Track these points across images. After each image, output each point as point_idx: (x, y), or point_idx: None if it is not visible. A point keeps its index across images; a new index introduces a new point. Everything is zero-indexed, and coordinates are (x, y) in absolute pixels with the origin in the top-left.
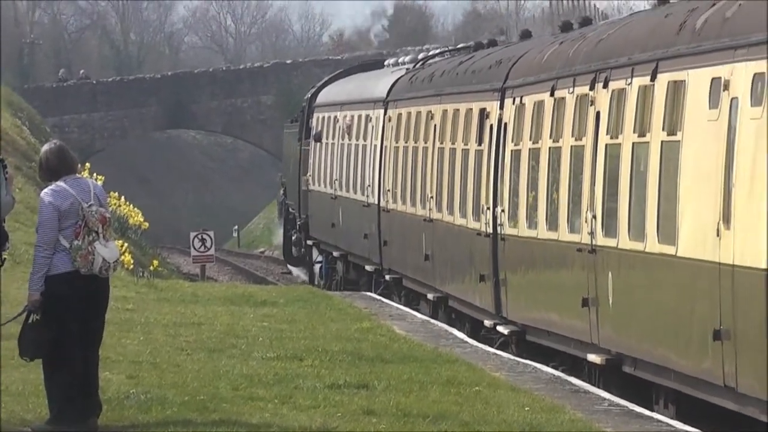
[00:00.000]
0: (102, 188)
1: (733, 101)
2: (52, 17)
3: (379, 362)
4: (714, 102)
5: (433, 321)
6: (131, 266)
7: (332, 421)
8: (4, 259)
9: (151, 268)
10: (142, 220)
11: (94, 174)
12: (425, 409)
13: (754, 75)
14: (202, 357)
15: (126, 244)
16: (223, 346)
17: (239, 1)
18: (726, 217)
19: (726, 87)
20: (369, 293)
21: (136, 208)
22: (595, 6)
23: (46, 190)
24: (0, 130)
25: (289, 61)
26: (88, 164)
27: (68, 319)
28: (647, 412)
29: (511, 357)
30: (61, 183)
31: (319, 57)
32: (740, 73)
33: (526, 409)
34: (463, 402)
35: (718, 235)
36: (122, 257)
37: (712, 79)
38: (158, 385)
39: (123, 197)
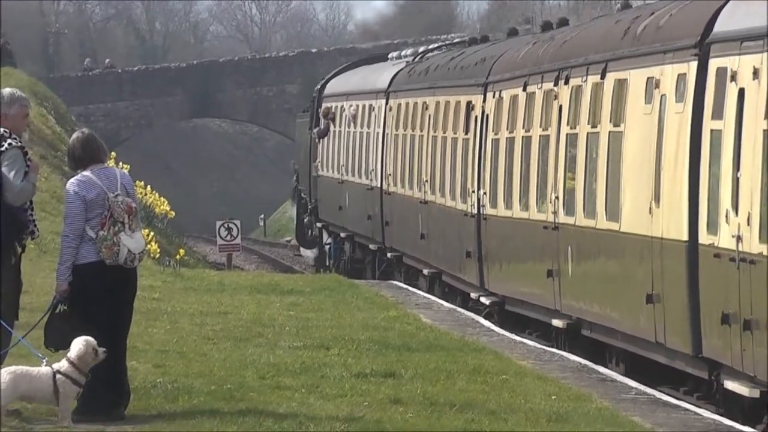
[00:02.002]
0: (129, 177)
1: (663, 98)
2: (77, 7)
3: (405, 351)
4: (648, 98)
5: (459, 309)
6: (158, 255)
7: (359, 410)
8: (24, 245)
9: (178, 257)
10: (168, 209)
11: (120, 163)
12: (452, 397)
13: (678, 75)
14: (228, 346)
15: (152, 233)
16: (250, 335)
17: None
18: (657, 197)
19: (657, 85)
20: (395, 282)
21: (162, 197)
22: None
23: (72, 180)
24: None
25: (314, 50)
26: (113, 153)
27: (95, 309)
28: (674, 401)
29: (537, 345)
30: (87, 173)
31: (344, 46)
32: (668, 74)
33: (553, 397)
34: (489, 391)
35: (650, 213)
36: (148, 246)
37: (647, 78)
38: (185, 374)
39: (149, 186)
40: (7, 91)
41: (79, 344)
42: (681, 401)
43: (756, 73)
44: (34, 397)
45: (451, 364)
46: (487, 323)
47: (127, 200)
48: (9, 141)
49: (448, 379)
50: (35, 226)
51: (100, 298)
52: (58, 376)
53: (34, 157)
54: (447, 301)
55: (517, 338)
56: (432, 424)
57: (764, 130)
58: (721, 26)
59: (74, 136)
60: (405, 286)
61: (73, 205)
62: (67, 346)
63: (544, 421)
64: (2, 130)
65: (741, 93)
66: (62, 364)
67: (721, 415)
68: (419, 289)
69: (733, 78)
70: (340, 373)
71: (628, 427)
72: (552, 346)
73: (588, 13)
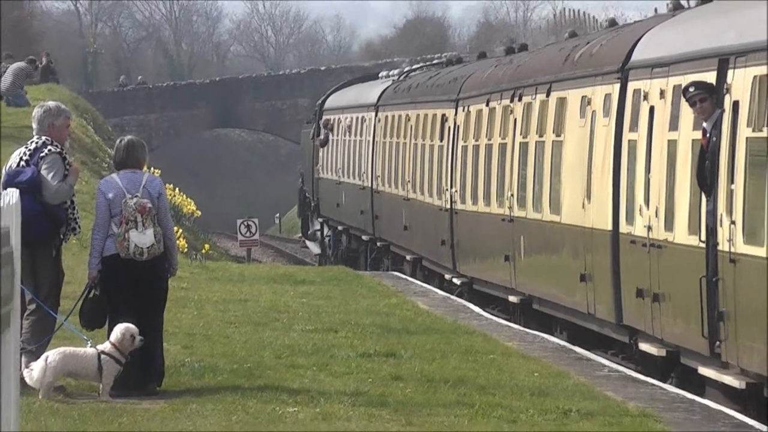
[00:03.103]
0: (158, 181)
1: (593, 113)
2: (112, 29)
3: (404, 334)
4: (582, 113)
5: (452, 297)
6: (185, 250)
7: (364, 386)
8: (63, 239)
9: (203, 251)
10: (194, 208)
11: (152, 168)
12: (446, 375)
13: (605, 95)
14: (248, 330)
15: (180, 230)
16: (267, 320)
17: (278, 14)
18: (588, 195)
19: (589, 103)
20: (395, 273)
21: (188, 199)
22: (593, 17)
23: (101, 182)
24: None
25: (323, 68)
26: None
27: (117, 294)
28: (642, 377)
29: (521, 328)
30: (114, 175)
31: (349, 64)
32: (597, 94)
33: (536, 374)
34: (479, 368)
35: (583, 207)
36: (178, 242)
37: (582, 97)
38: (210, 355)
39: (177, 189)
40: (53, 104)
41: (121, 329)
42: (648, 378)
43: (662, 94)
44: (80, 374)
45: (445, 345)
46: (477, 309)
47: (142, 201)
48: (49, 147)
49: (442, 359)
50: (77, 223)
51: (118, 285)
52: (102, 356)
53: (74, 162)
54: (426, 281)
55: (503, 322)
56: (428, 398)
57: (668, 140)
58: (637, 56)
59: (118, 141)
60: (404, 276)
61: (99, 203)
62: (99, 326)
63: (528, 395)
64: (45, 137)
65: (651, 110)
66: (105, 346)
67: (638, 372)
68: (403, 272)
69: (646, 98)
70: (346, 354)
71: (602, 401)
72: (509, 319)
73: (564, 34)
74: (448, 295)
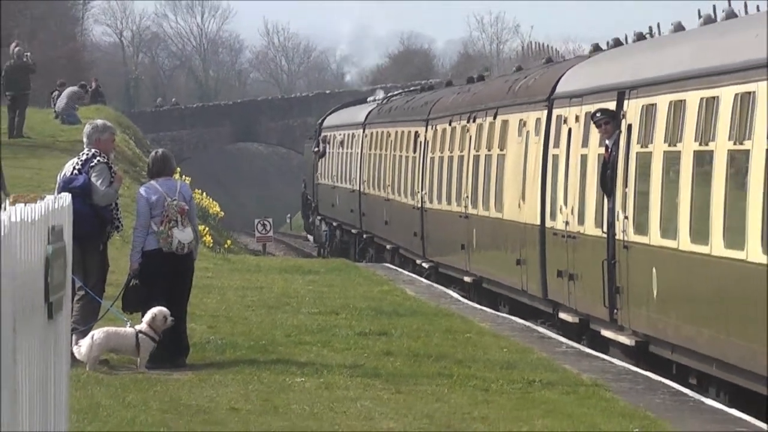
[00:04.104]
0: (188, 187)
1: (527, 133)
2: (151, 59)
3: (394, 316)
4: (520, 133)
5: (435, 285)
6: (211, 245)
7: (360, 359)
8: (109, 236)
9: (226, 246)
10: (218, 210)
11: (183, 176)
12: (429, 350)
13: (536, 119)
14: (263, 312)
15: (207, 229)
16: (279, 304)
17: (291, 47)
18: (523, 197)
19: (525, 125)
20: (387, 264)
21: (214, 202)
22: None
23: (141, 186)
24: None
25: (327, 92)
26: (178, 168)
27: (157, 284)
28: (595, 353)
29: (493, 312)
30: (153, 182)
31: (349, 89)
32: (531, 118)
33: (505, 350)
34: (457, 345)
35: (519, 207)
36: (203, 238)
37: (520, 120)
38: (231, 333)
39: (204, 193)
40: (100, 121)
41: (155, 312)
42: (599, 353)
43: (577, 119)
44: (120, 350)
45: (429, 325)
46: (455, 295)
47: (181, 204)
48: (98, 158)
49: (426, 337)
50: (120, 222)
51: (159, 276)
52: (140, 334)
53: (119, 171)
54: (401, 266)
55: (478, 306)
56: (414, 370)
57: (581, 155)
58: (560, 88)
59: (151, 154)
60: (394, 267)
61: (141, 205)
62: (139, 310)
63: (498, 368)
64: (93, 150)
65: (569, 131)
66: (142, 326)
67: (560, 335)
68: (384, 259)
69: (565, 121)
70: (346, 332)
71: (561, 372)
72: (466, 297)
73: (531, 63)
74: (431, 283)
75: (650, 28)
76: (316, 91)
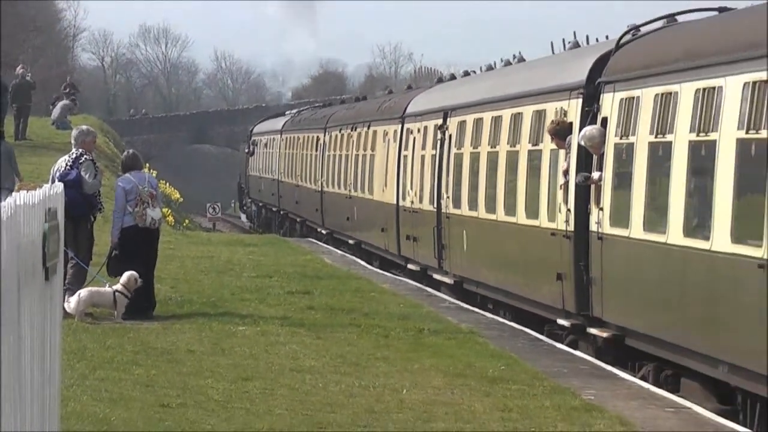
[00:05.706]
0: (154, 178)
1: (389, 139)
2: (126, 79)
3: (315, 279)
4: (384, 139)
5: (347, 255)
6: (172, 223)
7: (289, 313)
8: (95, 217)
9: (184, 224)
10: (178, 196)
11: (151, 170)
12: (343, 305)
13: (394, 131)
14: (213, 276)
15: (169, 211)
16: (225, 269)
17: (235, 69)
18: (386, 184)
19: (387, 134)
20: (311, 239)
21: (175, 190)
22: (440, 71)
23: (118, 179)
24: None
25: (264, 105)
26: (147, 164)
27: (134, 253)
28: (469, 306)
29: (392, 275)
30: (128, 175)
31: (281, 103)
32: (390, 129)
33: (401, 305)
34: (364, 301)
35: (383, 191)
36: (166, 218)
37: (384, 130)
38: (188, 292)
39: (167, 183)
40: (84, 127)
41: (128, 275)
42: (474, 308)
43: (419, 130)
44: (101, 305)
45: (342, 286)
46: (362, 263)
47: (151, 190)
48: (85, 156)
49: (340, 295)
50: (102, 206)
51: (135, 246)
52: (116, 293)
53: (101, 165)
54: (307, 235)
55: (380, 271)
56: (331, 321)
57: (421, 155)
58: (409, 109)
59: (124, 153)
60: (315, 241)
61: (118, 193)
62: (118, 275)
63: (396, 319)
64: (81, 149)
65: (414, 139)
66: (118, 286)
67: (442, 292)
68: (296, 230)
69: (411, 132)
70: (277, 292)
71: (445, 323)
72: (353, 255)
73: (421, 82)
74: (343, 253)
75: (501, 59)
76: (255, 104)
